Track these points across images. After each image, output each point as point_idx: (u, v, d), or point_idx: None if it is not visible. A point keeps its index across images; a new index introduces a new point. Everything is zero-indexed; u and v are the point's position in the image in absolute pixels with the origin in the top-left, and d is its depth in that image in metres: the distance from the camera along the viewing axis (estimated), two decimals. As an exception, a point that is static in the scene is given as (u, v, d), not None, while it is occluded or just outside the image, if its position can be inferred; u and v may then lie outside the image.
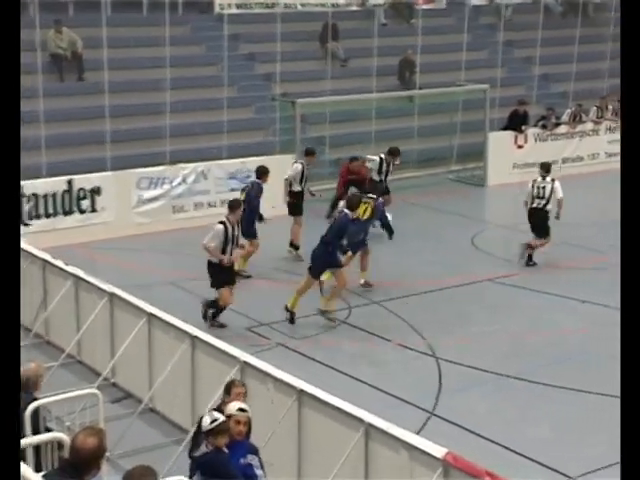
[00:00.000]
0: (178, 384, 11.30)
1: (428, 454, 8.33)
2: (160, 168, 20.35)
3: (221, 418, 7.78)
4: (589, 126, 26.28)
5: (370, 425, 8.86)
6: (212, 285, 14.55)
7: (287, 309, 14.84)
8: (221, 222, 14.35)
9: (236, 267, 15.71)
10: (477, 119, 24.91)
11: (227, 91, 22.49)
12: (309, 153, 18.97)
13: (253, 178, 17.98)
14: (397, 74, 26.64)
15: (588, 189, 24.00)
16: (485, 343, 14.53)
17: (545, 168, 18.51)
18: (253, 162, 21.22)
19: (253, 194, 17.30)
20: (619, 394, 12.83)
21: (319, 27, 26.39)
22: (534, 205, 18.20)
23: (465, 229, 20.45)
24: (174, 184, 20.35)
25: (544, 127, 25.36)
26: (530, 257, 18.13)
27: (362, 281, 16.77)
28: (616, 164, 26.16)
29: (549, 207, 18.16)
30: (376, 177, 20.14)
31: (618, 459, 10.91)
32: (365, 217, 16.40)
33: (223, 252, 14.29)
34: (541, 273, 17.87)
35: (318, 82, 24.29)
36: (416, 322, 15.14)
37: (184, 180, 20.47)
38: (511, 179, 23.81)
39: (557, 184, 18.20)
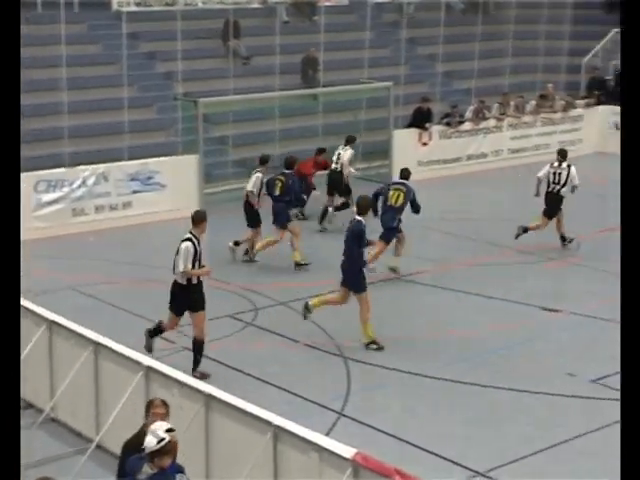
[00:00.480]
0: (81, 392, 11.11)
1: (337, 455, 8.35)
2: (59, 170, 20.04)
3: (167, 437, 7.47)
4: (492, 123, 26.65)
5: (278, 427, 8.85)
6: (178, 310, 13.29)
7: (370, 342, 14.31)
8: (187, 239, 13.07)
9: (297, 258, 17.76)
10: (381, 117, 25.08)
11: (127, 91, 22.25)
12: (264, 161, 18.63)
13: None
14: (300, 72, 26.67)
15: (493, 185, 24.39)
16: (393, 342, 14.60)
17: (562, 154, 19.50)
18: (155, 163, 21.06)
19: (293, 185, 18.26)
20: (528, 389, 13.17)
21: (220, 25, 26.28)
22: (549, 189, 19.25)
23: (371, 227, 20.48)
24: (74, 187, 20.06)
25: (448, 124, 25.65)
26: (564, 238, 19.19)
27: (392, 265, 17.51)
28: (519, 160, 26.73)
29: (564, 191, 19.17)
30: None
31: (525, 453, 11.21)
32: (398, 204, 17.24)
33: (193, 268, 13.05)
34: (452, 270, 18.06)
35: (220, 81, 24.18)
36: (324, 323, 15.15)
37: (84, 182, 20.19)
38: (416, 176, 23.84)
39: (573, 170, 19.34)
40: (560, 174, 19.20)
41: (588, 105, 28.62)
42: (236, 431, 9.33)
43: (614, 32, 30.85)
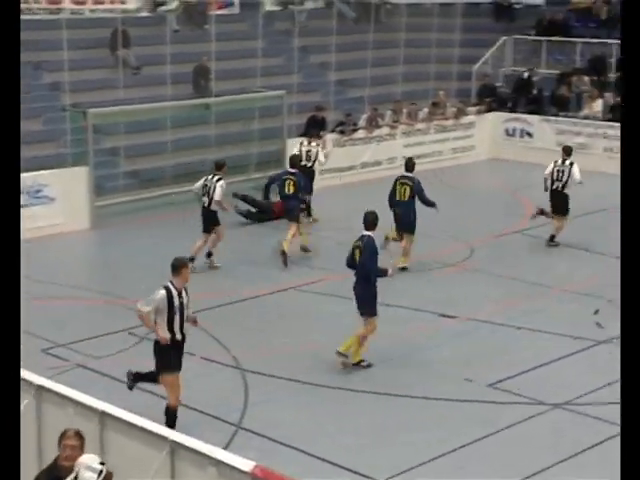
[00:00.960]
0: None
1: (236, 469, 8.30)
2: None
3: (104, 469, 7.41)
4: (385, 130, 26.92)
5: (175, 443, 8.76)
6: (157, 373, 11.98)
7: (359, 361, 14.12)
8: (164, 287, 11.71)
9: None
10: (275, 126, 25.15)
11: (13, 102, 21.81)
12: (221, 166, 18.64)
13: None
14: (192, 82, 26.57)
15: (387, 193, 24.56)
16: (290, 353, 14.63)
17: (566, 152, 20.18)
18: (44, 176, 20.73)
19: (301, 182, 19.56)
20: (426, 395, 13.32)
21: (108, 34, 26.01)
22: (553, 187, 20.08)
23: (268, 238, 20.55)
24: (-42, 202, 19.56)
25: (342, 132, 25.84)
26: (553, 237, 20.09)
27: (400, 265, 18.03)
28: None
29: (567, 190, 19.95)
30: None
31: (426, 459, 11.33)
32: (405, 198, 18.22)
33: (170, 325, 11.68)
34: (345, 279, 18.14)
35: (110, 91, 23.94)
36: (220, 335, 15.09)
37: (-31, 197, 19.71)
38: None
39: (575, 168, 19.95)
40: (563, 172, 20.03)
41: (479, 112, 29.13)
42: (132, 448, 9.20)
43: (503, 39, 31.54)
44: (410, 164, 18.64)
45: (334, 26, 27.88)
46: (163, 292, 11.57)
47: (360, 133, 26.28)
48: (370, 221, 14.35)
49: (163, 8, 27.84)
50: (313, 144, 22.06)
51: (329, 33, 27.75)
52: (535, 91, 29.90)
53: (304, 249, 19.62)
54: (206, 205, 18.38)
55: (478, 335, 15.65)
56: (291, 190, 19.42)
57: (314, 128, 25.05)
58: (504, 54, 31.70)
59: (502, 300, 17.13)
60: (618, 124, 27.04)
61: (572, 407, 12.94)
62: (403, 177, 18.59)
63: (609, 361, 14.41)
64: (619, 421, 12.29)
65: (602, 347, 14.99)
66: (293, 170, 19.62)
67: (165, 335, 11.57)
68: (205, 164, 22.71)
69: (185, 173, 23.23)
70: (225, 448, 10.46)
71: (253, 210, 22.39)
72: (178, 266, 11.79)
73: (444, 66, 29.80)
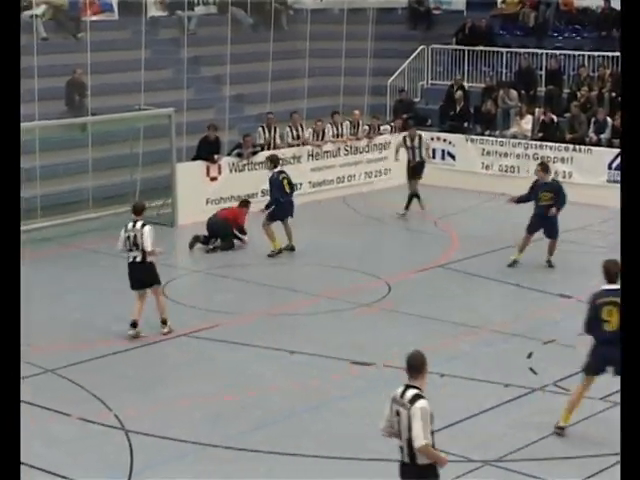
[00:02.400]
0: None
1: None
2: None
3: None
4: (290, 152, 26.86)
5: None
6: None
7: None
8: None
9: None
10: (162, 148, 25.00)
11: None
12: (140, 209, 17.74)
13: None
14: (65, 98, 26.35)
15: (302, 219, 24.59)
16: (181, 408, 14.51)
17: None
18: None
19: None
20: (338, 454, 13.29)
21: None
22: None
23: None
24: None
25: (239, 155, 25.79)
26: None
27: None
28: (321, 194, 27.12)
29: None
30: None
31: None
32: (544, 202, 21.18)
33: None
34: (245, 322, 18.11)
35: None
36: (100, 390, 14.90)
37: None
38: (204, 216, 24.03)
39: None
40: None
41: (394, 130, 29.32)
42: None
43: (420, 49, 31.93)
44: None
45: (229, 34, 27.89)
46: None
47: (260, 157, 26.16)
48: (614, 273, 13.57)
49: (28, 13, 27.47)
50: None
51: (223, 42, 27.78)
52: (459, 107, 30.22)
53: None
54: (139, 260, 17.36)
55: (397, 384, 15.62)
56: (288, 189, 22.71)
57: (207, 151, 25.04)
58: (422, 66, 32.08)
59: (423, 344, 17.18)
60: (550, 144, 27.59)
61: (504, 464, 13.04)
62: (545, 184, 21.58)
63: (543, 411, 14.59)
64: (555, 478, 12.58)
65: (536, 395, 15.16)
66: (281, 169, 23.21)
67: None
68: (82, 193, 22.50)
69: (56, 204, 22.98)
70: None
71: (214, 244, 22.86)
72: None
73: (355, 79, 30.05)
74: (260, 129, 26.68)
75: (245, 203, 23.75)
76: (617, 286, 12.93)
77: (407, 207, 26.00)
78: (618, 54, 29.75)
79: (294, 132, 27.21)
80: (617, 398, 14.86)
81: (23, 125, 23.37)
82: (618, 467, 12.86)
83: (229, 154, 25.95)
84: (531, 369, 16.12)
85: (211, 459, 13.16)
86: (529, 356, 16.61)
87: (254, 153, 26.13)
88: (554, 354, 16.78)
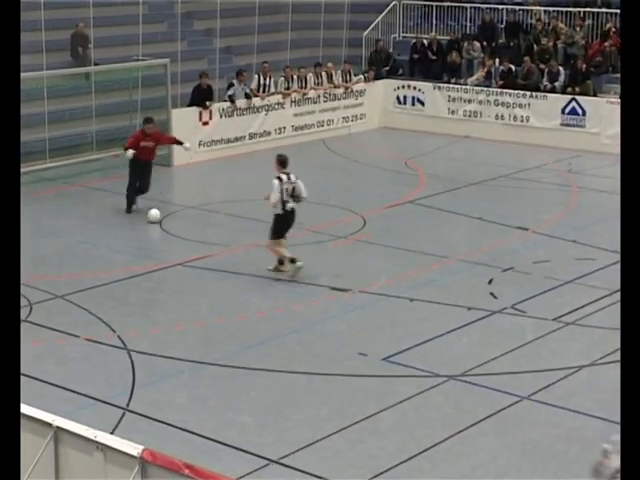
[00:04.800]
0: None
1: (123, 453, 8.24)
2: None
3: None
4: (275, 99, 26.83)
5: (59, 428, 8.65)
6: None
7: None
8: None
9: None
10: (159, 96, 24.87)
11: None
12: (283, 162, 16.91)
13: None
14: (70, 49, 26.11)
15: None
16: (178, 331, 14.57)
17: None
18: None
19: None
20: (320, 371, 13.40)
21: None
22: None
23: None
24: None
25: (232, 100, 25.61)
26: None
27: None
28: (303, 137, 27.08)
29: None
30: None
31: (320, 436, 11.42)
32: None
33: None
34: (237, 253, 18.14)
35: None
36: (105, 314, 14.96)
37: None
38: (198, 158, 24.01)
39: None
40: None
41: (368, 79, 29.23)
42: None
43: (393, 4, 31.73)
44: None
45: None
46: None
47: (245, 103, 25.99)
48: None
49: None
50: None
51: (213, -2, 27.55)
52: (433, 57, 30.13)
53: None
54: (292, 208, 16.82)
55: (371, 308, 15.80)
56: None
57: (200, 98, 24.92)
58: (394, 20, 31.89)
59: (395, 272, 17.31)
60: (509, 91, 27.55)
61: (467, 378, 13.17)
62: None
63: (503, 331, 14.73)
64: (514, 391, 12.71)
65: (496, 317, 15.29)
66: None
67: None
68: (87, 137, 22.40)
69: (63, 147, 22.88)
70: (112, 432, 10.39)
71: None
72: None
73: (334, 32, 29.86)
74: (256, 76, 26.53)
75: (148, 120, 20.83)
76: None
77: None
78: (570, 9, 29.72)
79: (286, 83, 27.04)
80: (569, 318, 15.07)
81: (32, 74, 23.32)
82: (563, 382, 13.17)
83: (228, 89, 25.63)
84: (491, 294, 16.24)
85: (207, 376, 13.25)
86: (490, 282, 16.72)
87: (247, 96, 25.89)
88: (512, 280, 16.90)
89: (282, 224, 16.76)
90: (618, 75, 26.48)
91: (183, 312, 15.44)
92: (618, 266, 15.24)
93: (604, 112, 26.17)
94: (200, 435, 11.49)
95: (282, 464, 10.87)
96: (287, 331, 14.68)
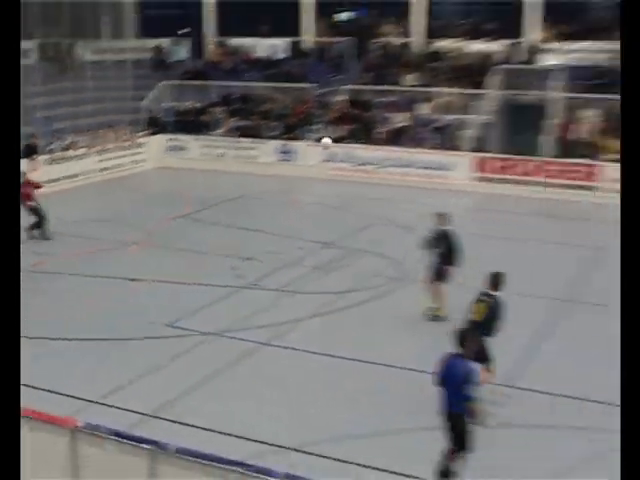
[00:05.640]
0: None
1: None
2: None
3: None
4: (82, 151, 26.17)
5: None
6: None
7: None
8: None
9: None
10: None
11: None
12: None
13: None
14: None
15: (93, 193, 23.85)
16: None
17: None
18: None
19: None
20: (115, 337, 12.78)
21: None
22: None
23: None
24: None
25: (31, 155, 24.22)
26: None
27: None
28: (103, 177, 26.50)
29: None
30: None
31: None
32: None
33: None
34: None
35: None
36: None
37: None
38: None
39: None
40: None
41: (146, 135, 29.10)
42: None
43: (162, 84, 31.69)
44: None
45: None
46: None
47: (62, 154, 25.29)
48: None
49: None
50: None
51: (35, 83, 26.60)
52: (191, 118, 30.35)
53: None
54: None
55: (161, 292, 15.41)
56: None
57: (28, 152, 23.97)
58: (163, 94, 31.81)
59: (175, 271, 16.49)
60: (244, 139, 28.14)
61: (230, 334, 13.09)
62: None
63: (254, 300, 14.67)
64: (268, 341, 12.71)
65: (245, 291, 15.28)
66: None
67: None
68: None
69: None
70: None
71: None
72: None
73: (122, 103, 29.50)
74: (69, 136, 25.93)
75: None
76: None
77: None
78: (285, 84, 30.46)
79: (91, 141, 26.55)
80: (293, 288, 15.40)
81: None
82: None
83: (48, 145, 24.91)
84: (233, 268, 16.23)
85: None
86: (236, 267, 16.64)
87: (63, 149, 25.22)
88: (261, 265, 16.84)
89: None
90: (313, 127, 27.45)
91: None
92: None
93: (306, 151, 27.00)
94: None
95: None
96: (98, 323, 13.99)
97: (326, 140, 22.86)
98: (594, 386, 11.02)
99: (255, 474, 5.99)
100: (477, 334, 9.24)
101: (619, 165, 21.67)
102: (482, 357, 9.76)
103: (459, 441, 8.29)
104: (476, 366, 8.50)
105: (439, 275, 13.40)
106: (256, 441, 9.57)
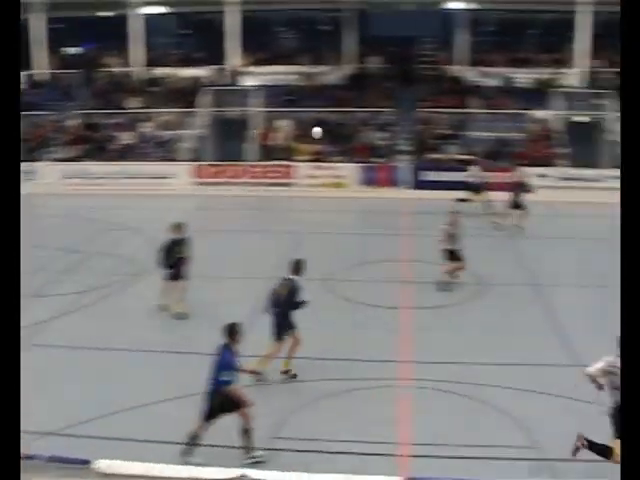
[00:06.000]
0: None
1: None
2: None
3: None
4: None
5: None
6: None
7: None
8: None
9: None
10: None
11: None
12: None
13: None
14: None
15: None
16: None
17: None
18: None
19: None
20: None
21: None
22: None
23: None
24: None
25: None
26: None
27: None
28: None
29: None
30: None
31: None
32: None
33: None
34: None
35: None
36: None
37: None
38: None
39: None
40: None
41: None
42: None
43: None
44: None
45: None
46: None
47: None
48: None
49: None
50: None
51: None
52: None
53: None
54: None
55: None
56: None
57: None
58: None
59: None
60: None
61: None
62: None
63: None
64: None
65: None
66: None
67: None
68: None
69: None
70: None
71: None
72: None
73: None
74: None
75: None
76: None
77: None
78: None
79: None
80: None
81: None
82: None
83: None
84: None
85: None
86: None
87: None
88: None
89: None
90: (51, 149, 26.21)
91: None
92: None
93: (44, 170, 25.75)
94: None
95: None
96: None
97: (317, 129, 24.65)
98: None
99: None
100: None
101: (310, 164, 24.80)
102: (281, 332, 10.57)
103: (210, 415, 8.65)
104: (234, 358, 8.67)
105: (176, 275, 13.03)
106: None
